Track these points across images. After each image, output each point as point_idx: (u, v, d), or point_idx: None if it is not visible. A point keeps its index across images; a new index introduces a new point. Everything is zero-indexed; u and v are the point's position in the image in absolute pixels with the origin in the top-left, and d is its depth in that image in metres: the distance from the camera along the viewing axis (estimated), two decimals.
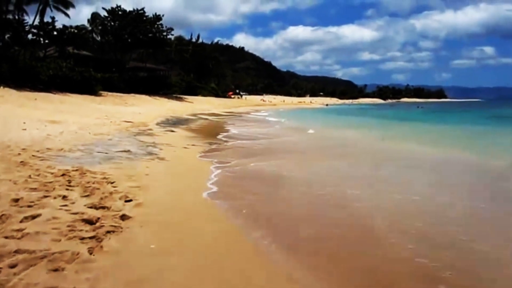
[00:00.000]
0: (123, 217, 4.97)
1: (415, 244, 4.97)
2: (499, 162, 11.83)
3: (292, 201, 7.26)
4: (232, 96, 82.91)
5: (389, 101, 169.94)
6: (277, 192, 7.87)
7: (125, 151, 11.08)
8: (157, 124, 21.78)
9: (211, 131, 20.75)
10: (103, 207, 5.30)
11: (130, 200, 6.00)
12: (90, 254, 3.79)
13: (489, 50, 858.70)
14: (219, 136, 17.85)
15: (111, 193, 6.22)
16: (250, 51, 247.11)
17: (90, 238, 4.07)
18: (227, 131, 21.22)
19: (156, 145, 12.88)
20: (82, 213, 4.90)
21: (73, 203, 5.38)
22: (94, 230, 4.33)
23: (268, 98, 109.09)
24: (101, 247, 3.93)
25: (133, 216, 5.17)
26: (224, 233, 5.23)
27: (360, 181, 9.13)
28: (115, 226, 4.54)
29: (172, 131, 18.61)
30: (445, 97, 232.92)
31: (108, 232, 4.34)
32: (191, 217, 5.69)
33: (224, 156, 11.96)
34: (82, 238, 4.04)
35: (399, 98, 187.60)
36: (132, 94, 41.92)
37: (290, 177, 9.28)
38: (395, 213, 6.48)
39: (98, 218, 4.74)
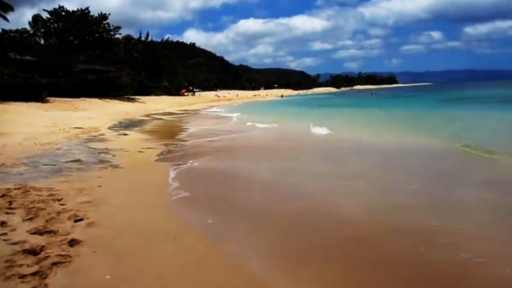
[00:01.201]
0: (72, 243, 4.40)
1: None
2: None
3: (261, 204, 6.89)
4: (186, 94, 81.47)
5: (343, 89, 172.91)
6: (242, 195, 7.50)
7: (75, 160, 10.33)
8: (109, 128, 20.79)
9: (167, 132, 20.06)
10: (49, 232, 4.71)
11: (81, 220, 5.43)
12: None
13: (436, 34, 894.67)
14: (175, 136, 17.26)
15: (58, 212, 5.60)
16: (202, 46, 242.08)
17: (33, 274, 3.50)
18: (182, 130, 20.60)
19: (109, 151, 12.15)
20: (24, 242, 4.30)
21: (13, 230, 4.74)
22: (37, 263, 3.76)
23: (223, 93, 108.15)
24: (46, 286, 3.38)
25: (84, 240, 4.61)
26: (194, 254, 4.63)
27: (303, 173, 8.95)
28: (62, 256, 3.98)
29: (126, 134, 17.79)
30: (396, 82, 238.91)
31: (55, 264, 3.77)
32: (152, 236, 5.12)
33: (181, 157, 11.44)
34: (23, 276, 3.47)
35: (352, 86, 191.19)
36: (82, 98, 40.06)
37: (255, 178, 8.94)
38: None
39: (43, 247, 4.16)
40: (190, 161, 10.67)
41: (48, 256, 3.94)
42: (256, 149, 13.80)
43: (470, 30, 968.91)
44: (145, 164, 10.56)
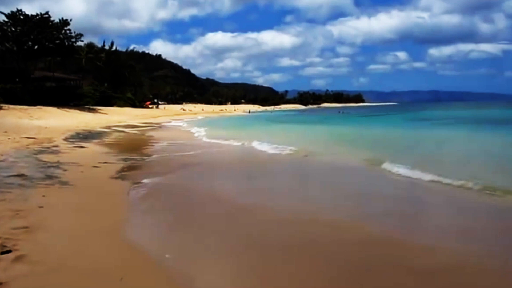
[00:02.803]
0: None
1: None
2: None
3: (229, 231, 6.07)
4: (150, 106, 79.71)
5: (310, 106, 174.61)
6: (208, 220, 6.65)
7: (18, 175, 9.17)
8: (65, 139, 19.42)
9: (128, 146, 18.88)
10: None
11: (8, 251, 4.44)
12: None
13: (402, 55, 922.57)
14: (136, 151, 16.18)
15: None
16: (168, 58, 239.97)
17: None
18: (145, 144, 19.55)
19: (60, 165, 11.02)
20: None
21: None
22: None
23: (188, 107, 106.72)
24: None
25: (5, 281, 3.65)
26: None
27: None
28: None
29: (82, 147, 16.54)
30: (363, 101, 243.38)
31: None
32: (93, 276, 4.17)
33: (141, 175, 10.49)
34: None
35: (320, 104, 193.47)
36: (39, 107, 38.07)
37: (220, 198, 8.11)
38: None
39: None
40: (151, 179, 9.75)
41: None
42: (220, 167, 12.97)
43: (434, 51, 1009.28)
44: (99, 182, 9.49)
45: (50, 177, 9.30)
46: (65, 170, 10.31)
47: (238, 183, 10.28)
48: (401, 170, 10.38)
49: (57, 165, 11.08)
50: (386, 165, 11.14)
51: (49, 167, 10.73)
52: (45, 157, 12.45)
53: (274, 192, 9.10)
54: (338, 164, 12.71)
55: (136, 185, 9.07)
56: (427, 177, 9.41)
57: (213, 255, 5.06)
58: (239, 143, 18.82)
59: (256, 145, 17.69)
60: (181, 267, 4.62)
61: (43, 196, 7.44)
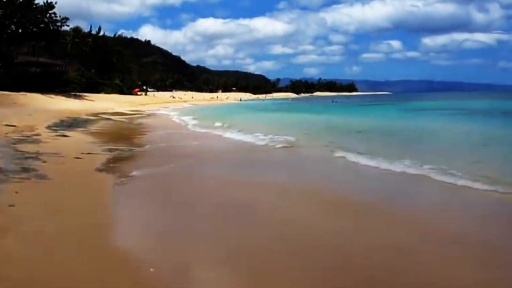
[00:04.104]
0: None
1: None
2: None
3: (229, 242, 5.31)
4: (139, 93, 78.23)
5: (302, 95, 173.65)
6: (201, 225, 5.87)
7: None
8: (48, 127, 18.40)
9: (114, 135, 17.99)
10: None
11: None
12: None
13: (396, 44, 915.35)
14: (124, 141, 15.33)
15: None
16: (158, 44, 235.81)
17: None
18: (132, 133, 18.67)
19: (39, 156, 10.10)
20: None
21: None
22: None
23: (178, 94, 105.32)
24: None
25: None
26: None
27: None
28: None
29: (66, 136, 15.59)
30: (356, 90, 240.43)
31: None
32: None
33: (128, 167, 9.68)
34: None
35: (312, 92, 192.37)
36: (22, 93, 36.70)
37: (219, 201, 7.35)
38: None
39: None
40: (139, 173, 8.97)
41: None
42: (215, 161, 12.19)
43: (428, 41, 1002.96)
44: (81, 175, 8.65)
45: (26, 170, 8.41)
46: (44, 162, 9.42)
47: (232, 175, 9.48)
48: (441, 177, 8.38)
49: (36, 156, 10.17)
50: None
51: (26, 158, 9.82)
52: (23, 147, 11.50)
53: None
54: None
55: (122, 180, 8.28)
56: (460, 182, 7.89)
57: (205, 272, 4.30)
58: (232, 134, 17.82)
59: (248, 138, 16.68)
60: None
61: (16, 192, 6.62)
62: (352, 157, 10.82)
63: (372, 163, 9.97)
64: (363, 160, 10.29)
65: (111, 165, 9.84)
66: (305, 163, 11.38)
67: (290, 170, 10.34)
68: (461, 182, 7.77)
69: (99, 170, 9.17)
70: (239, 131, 18.03)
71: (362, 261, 4.51)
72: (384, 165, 9.63)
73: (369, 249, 4.81)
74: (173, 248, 4.81)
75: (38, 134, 15.14)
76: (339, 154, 11.37)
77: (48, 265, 4.15)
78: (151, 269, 4.13)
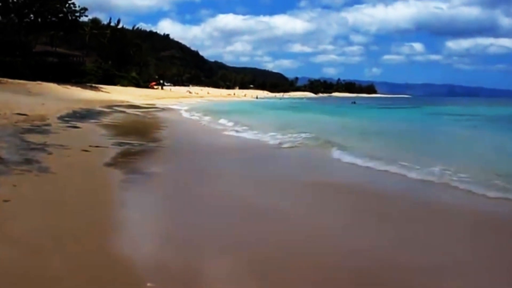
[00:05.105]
0: None
1: None
2: None
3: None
4: (155, 87, 78.19)
5: (320, 95, 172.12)
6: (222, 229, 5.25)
7: None
8: (60, 117, 18.04)
9: (126, 128, 17.56)
10: None
11: None
12: None
13: (418, 46, 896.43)
14: (136, 135, 14.88)
15: None
16: (176, 39, 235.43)
17: None
18: (145, 127, 18.25)
19: (46, 147, 9.62)
20: None
21: None
22: None
23: (195, 89, 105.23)
24: None
25: None
26: None
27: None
28: None
29: (77, 127, 15.20)
30: (375, 92, 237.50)
31: None
32: None
33: (137, 163, 9.17)
34: None
35: (331, 93, 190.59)
36: (38, 82, 36.72)
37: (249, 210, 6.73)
38: None
39: None
40: (150, 169, 8.45)
41: None
42: (229, 160, 11.59)
43: (451, 44, 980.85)
44: (86, 170, 8.13)
45: (29, 161, 7.92)
46: (49, 154, 8.93)
47: (244, 174, 8.85)
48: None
49: (42, 147, 9.69)
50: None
51: (32, 149, 9.34)
52: (31, 137, 11.06)
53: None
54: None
55: (129, 177, 7.74)
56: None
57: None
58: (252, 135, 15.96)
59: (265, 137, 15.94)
60: None
61: (14, 186, 6.12)
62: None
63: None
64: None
65: (118, 160, 9.28)
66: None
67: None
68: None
69: (105, 165, 8.63)
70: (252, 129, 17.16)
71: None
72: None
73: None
74: (177, 260, 4.20)
75: (48, 124, 14.76)
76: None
77: (33, 272, 3.63)
78: (148, 284, 3.55)
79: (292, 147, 12.88)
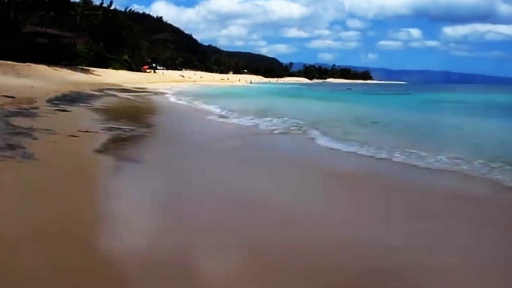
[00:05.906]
0: None
1: None
2: None
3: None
4: (148, 71, 77.20)
5: (315, 81, 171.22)
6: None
7: None
8: (49, 100, 17.54)
9: (117, 112, 17.14)
10: None
11: None
12: None
13: (415, 32, 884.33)
14: (127, 119, 14.46)
15: None
16: (169, 22, 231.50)
17: None
18: (137, 111, 17.81)
19: (32, 132, 9.22)
20: None
21: None
22: None
23: (188, 73, 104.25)
24: None
25: None
26: None
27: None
28: None
29: (66, 110, 14.75)
30: (371, 78, 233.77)
31: None
32: None
33: (127, 149, 8.81)
34: None
35: (325, 78, 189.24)
36: (28, 64, 35.84)
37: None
38: None
39: None
40: (140, 156, 8.14)
41: None
42: (221, 150, 11.27)
43: (449, 30, 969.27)
44: (72, 156, 7.76)
45: (12, 147, 7.53)
46: (34, 139, 8.54)
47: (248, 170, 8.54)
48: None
49: (28, 131, 9.27)
50: None
51: (17, 133, 8.94)
52: (17, 121, 10.62)
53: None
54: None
55: (118, 164, 7.42)
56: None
57: None
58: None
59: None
60: None
61: None
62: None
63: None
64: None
65: (107, 146, 8.92)
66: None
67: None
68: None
69: (94, 151, 8.26)
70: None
71: None
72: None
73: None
74: (168, 262, 3.88)
75: (36, 108, 14.30)
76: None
77: (5, 275, 3.28)
78: None
79: (284, 133, 12.73)
